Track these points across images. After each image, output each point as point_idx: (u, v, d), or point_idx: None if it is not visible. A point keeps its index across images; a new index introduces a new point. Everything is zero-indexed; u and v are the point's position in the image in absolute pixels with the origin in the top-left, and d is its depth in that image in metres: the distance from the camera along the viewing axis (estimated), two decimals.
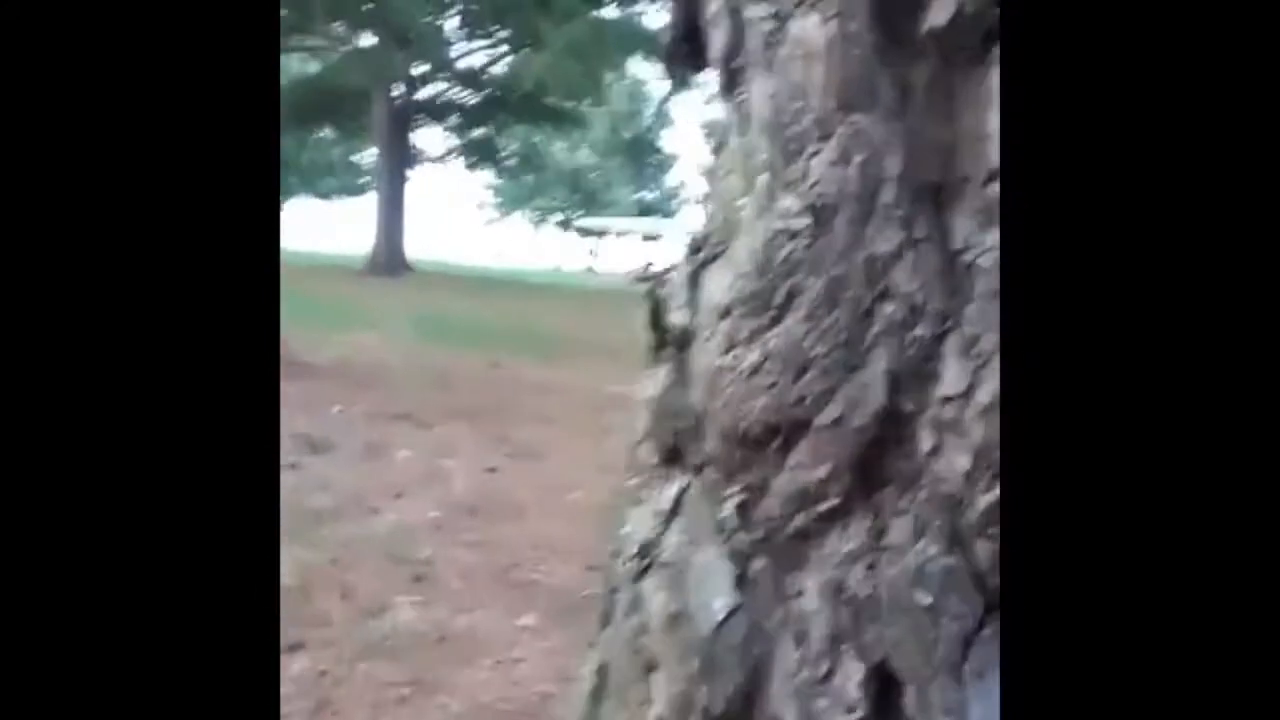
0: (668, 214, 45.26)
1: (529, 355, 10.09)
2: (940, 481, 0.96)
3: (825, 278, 0.96)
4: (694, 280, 1.07)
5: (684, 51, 1.16)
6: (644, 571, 1.08)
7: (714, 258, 1.06)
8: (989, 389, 0.94)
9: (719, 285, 1.02)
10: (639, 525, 1.12)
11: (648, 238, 38.63)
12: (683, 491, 1.08)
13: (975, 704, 0.95)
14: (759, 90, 1.01)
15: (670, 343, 1.08)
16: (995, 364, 0.94)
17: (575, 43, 19.76)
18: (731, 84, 1.06)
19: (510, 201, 48.34)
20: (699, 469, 1.06)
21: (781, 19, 0.98)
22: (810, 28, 0.96)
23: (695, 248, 1.10)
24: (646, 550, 1.08)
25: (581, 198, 46.97)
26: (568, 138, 39.06)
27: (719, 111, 1.12)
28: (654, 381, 1.15)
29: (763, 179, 1.01)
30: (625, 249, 42.23)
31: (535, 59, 21.20)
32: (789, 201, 0.98)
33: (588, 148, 46.13)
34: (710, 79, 1.13)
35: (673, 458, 1.10)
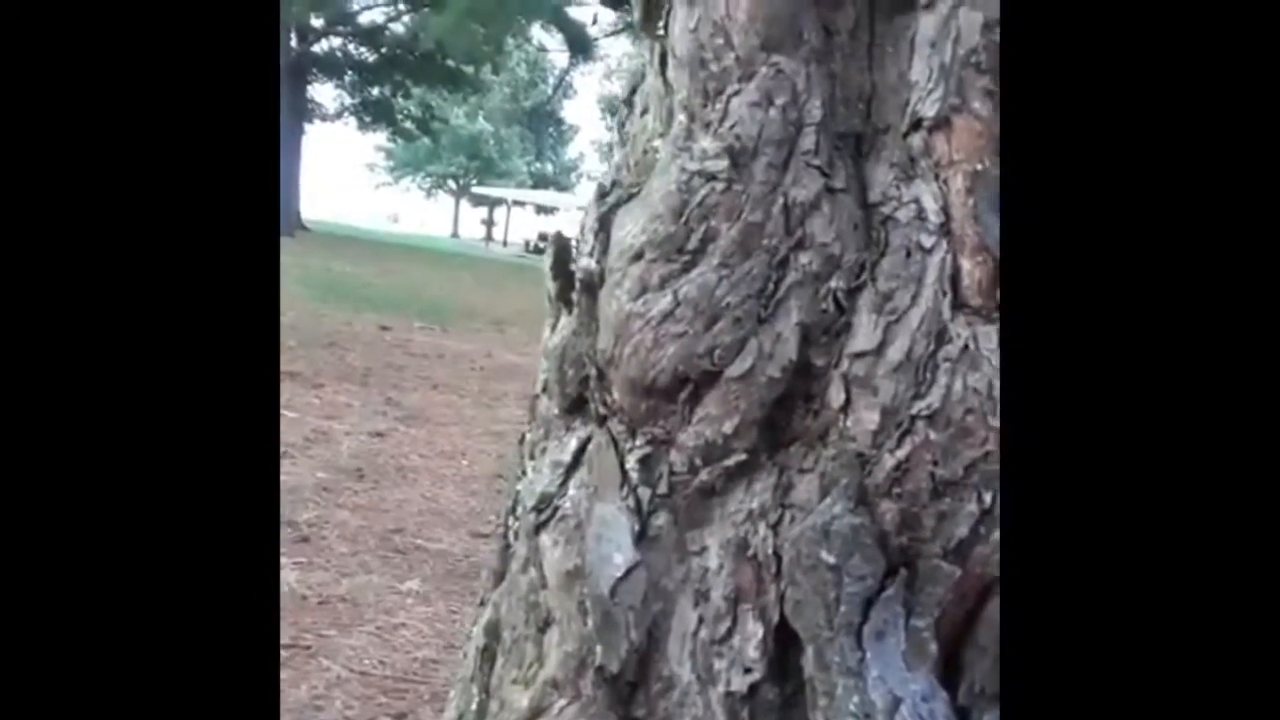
0: (565, 187, 44.99)
1: (421, 321, 9.94)
2: (848, 439, 0.94)
3: (741, 224, 0.93)
4: (603, 223, 1.02)
5: None
6: (542, 525, 1.04)
7: (626, 200, 1.02)
8: (900, 346, 0.92)
9: (631, 228, 0.98)
10: (538, 477, 1.08)
11: (543, 210, 38.38)
12: (584, 443, 1.03)
13: (874, 664, 0.93)
14: (680, 24, 0.97)
15: (577, 288, 1.03)
16: (908, 320, 0.92)
17: (477, 5, 19.43)
18: (651, 16, 1.02)
19: (404, 165, 47.43)
20: (602, 421, 1.02)
21: None
22: None
23: (604, 191, 1.05)
24: (545, 503, 1.04)
25: (478, 165, 46.34)
26: (466, 103, 38.46)
27: (619, 87, 1.08)
28: (558, 329, 1.10)
29: (680, 119, 0.97)
30: (520, 220, 41.89)
31: (436, 19, 20.79)
32: (706, 143, 0.94)
33: (485, 115, 45.50)
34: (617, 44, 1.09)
35: (575, 408, 1.06)
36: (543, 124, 47.94)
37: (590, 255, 1.03)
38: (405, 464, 4.79)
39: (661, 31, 1.00)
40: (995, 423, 0.92)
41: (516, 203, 41.84)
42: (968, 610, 0.95)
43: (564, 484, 1.03)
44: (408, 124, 30.41)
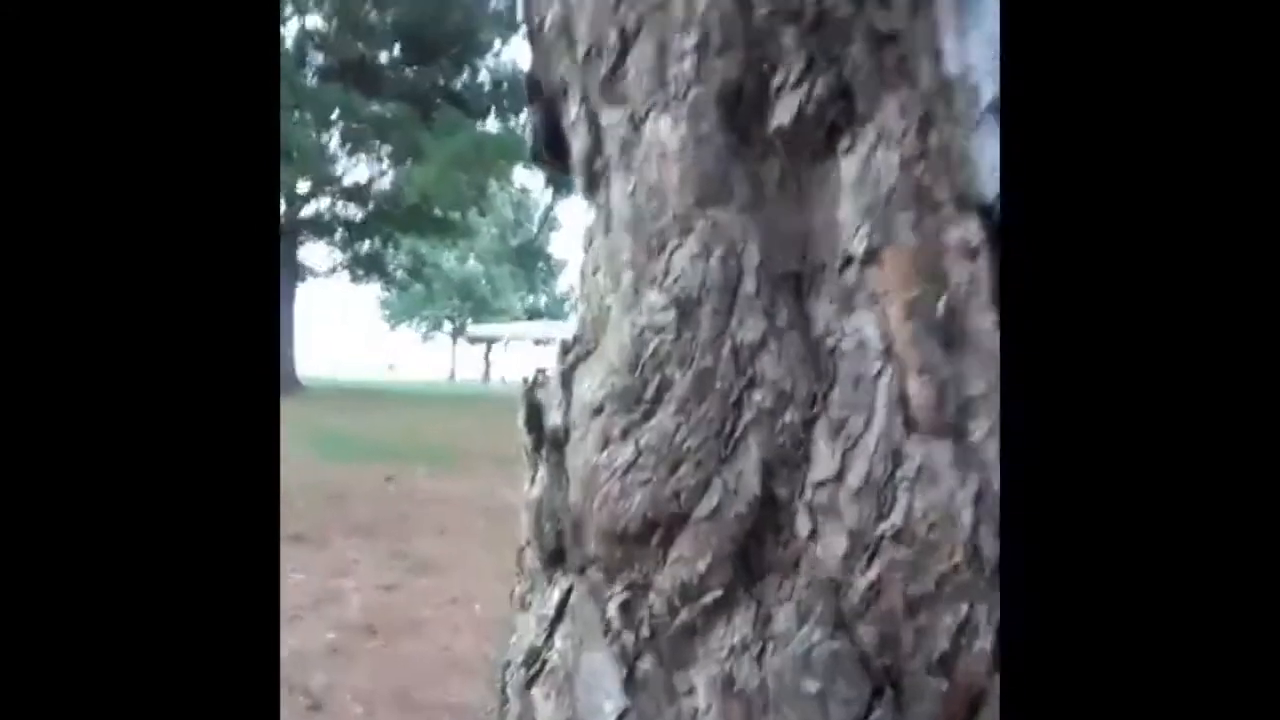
0: (559, 317, 45.50)
1: (424, 467, 9.95)
2: (820, 566, 0.96)
3: (693, 370, 0.97)
4: (566, 380, 1.07)
5: (549, 156, 1.18)
6: (533, 679, 1.06)
7: (585, 356, 1.07)
8: (859, 470, 0.96)
9: (590, 383, 1.03)
10: (526, 632, 1.10)
11: (539, 342, 38.69)
12: (567, 594, 1.06)
13: None
14: (619, 190, 1.03)
15: (546, 443, 1.07)
16: (864, 445, 0.96)
17: (458, 155, 19.99)
18: (593, 185, 1.08)
19: (399, 313, 48.07)
20: (582, 570, 1.05)
21: (636, 122, 1.01)
22: (663, 129, 0.99)
23: (566, 348, 1.10)
24: (534, 657, 1.06)
25: (472, 306, 46.94)
26: (455, 247, 39.15)
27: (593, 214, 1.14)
28: (534, 484, 1.14)
29: (627, 276, 1.02)
30: (519, 355, 42.18)
31: (419, 172, 21.35)
32: (653, 297, 0.99)
33: (476, 256, 46.26)
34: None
35: (556, 560, 1.09)
36: (532, 260, 48.74)
37: (557, 410, 1.08)
38: (417, 616, 4.76)
39: (603, 198, 1.06)
40: (960, 535, 0.95)
41: (513, 338, 42.19)
42: None
43: (550, 636, 1.06)
44: (400, 273, 30.88)
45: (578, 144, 1.10)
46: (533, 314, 47.25)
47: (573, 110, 1.09)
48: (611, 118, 1.04)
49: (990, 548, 0.97)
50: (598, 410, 1.01)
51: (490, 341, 44.14)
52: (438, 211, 24.07)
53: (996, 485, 0.97)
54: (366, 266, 28.32)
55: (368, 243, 27.29)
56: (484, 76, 24.71)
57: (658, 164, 1.00)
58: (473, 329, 45.37)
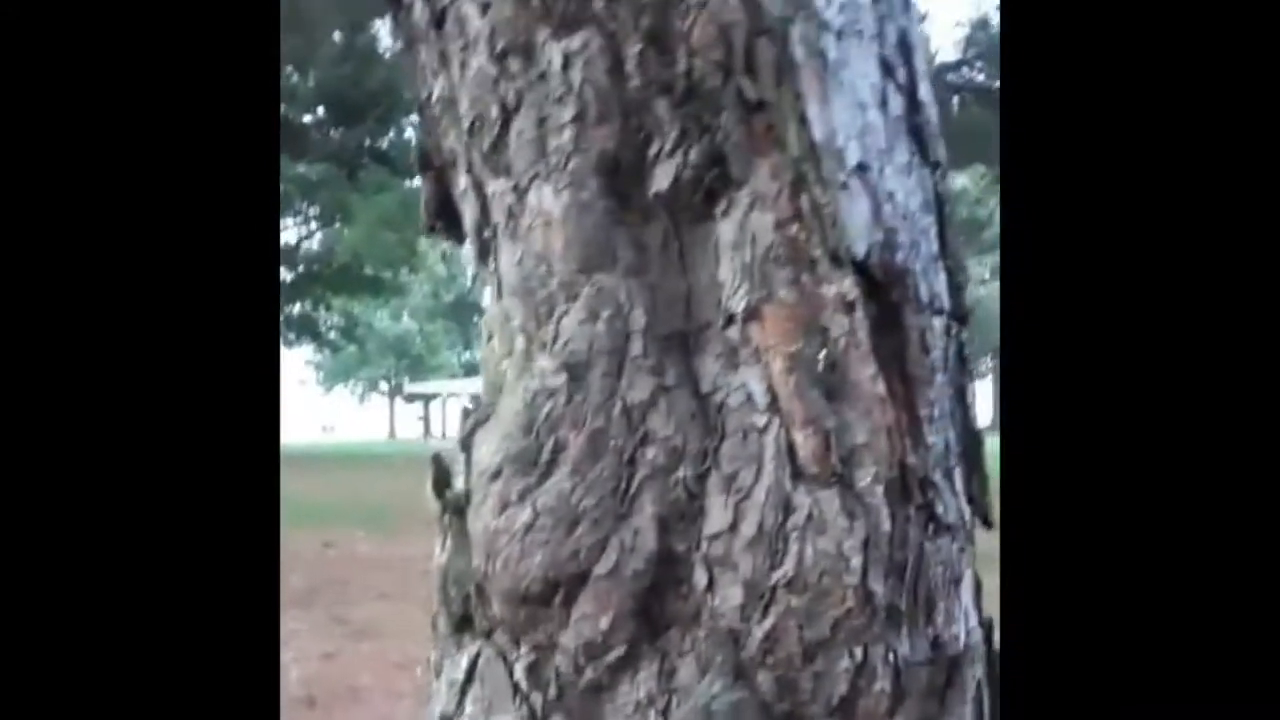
0: None
1: (363, 530, 9.81)
2: (718, 617, 0.99)
3: (586, 431, 0.99)
4: (465, 445, 1.08)
5: (441, 226, 1.21)
6: None
7: (483, 421, 1.08)
8: (752, 521, 0.98)
9: (488, 448, 1.05)
10: (437, 698, 1.11)
11: (477, 397, 38.40)
12: (475, 659, 1.07)
13: None
14: (507, 258, 1.06)
15: (449, 509, 1.09)
16: (755, 496, 0.99)
17: (386, 214, 19.93)
18: (484, 253, 1.11)
19: (334, 374, 47.59)
20: (489, 634, 1.06)
21: (520, 192, 1.04)
22: (546, 197, 1.02)
23: (467, 413, 1.12)
24: None
25: (408, 364, 46.63)
26: (388, 306, 38.95)
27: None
28: (443, 549, 1.15)
29: (519, 341, 1.05)
30: (457, 411, 41.86)
31: (348, 232, 21.25)
32: (544, 361, 1.01)
33: (409, 314, 46.04)
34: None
35: (464, 625, 1.10)
36: (467, 314, 48.55)
37: (459, 476, 1.09)
38: (357, 683, 4.67)
39: (493, 265, 1.09)
40: (851, 580, 0.98)
41: (451, 395, 41.89)
42: None
43: (460, 702, 1.06)
44: (333, 334, 30.57)
45: (468, 213, 1.13)
46: (470, 369, 47.06)
47: (461, 181, 1.12)
48: (497, 187, 1.06)
49: (881, 591, 1.00)
50: (495, 474, 1.02)
51: (428, 399, 43.85)
52: (368, 270, 23.95)
53: (885, 528, 1.00)
54: (298, 329, 28.05)
55: (298, 305, 27.08)
56: (410, 134, 24.75)
57: (542, 232, 1.03)
58: (410, 387, 45.05)
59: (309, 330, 28.64)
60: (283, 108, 22.67)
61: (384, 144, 24.22)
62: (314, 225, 24.85)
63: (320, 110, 23.47)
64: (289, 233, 25.47)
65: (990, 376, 32.28)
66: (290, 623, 6.01)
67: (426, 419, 44.58)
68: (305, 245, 25.28)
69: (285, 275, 25.96)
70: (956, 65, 12.95)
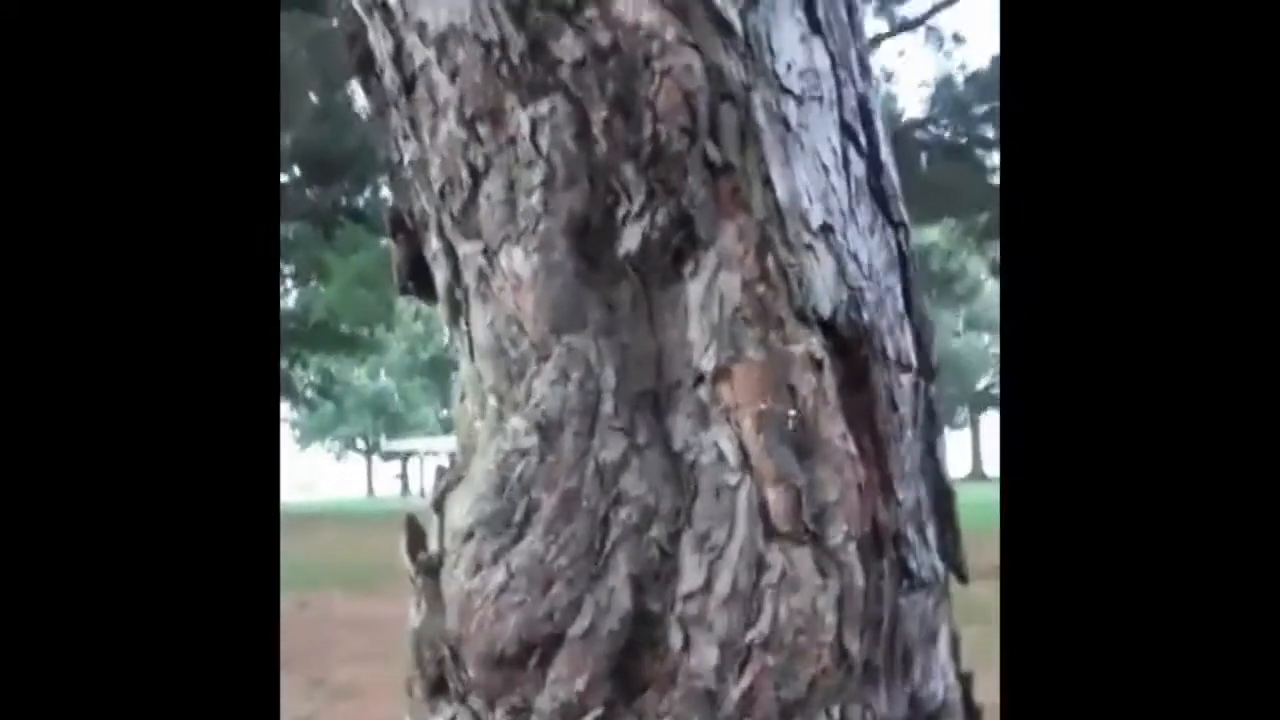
0: None
1: (340, 590, 9.69)
2: (694, 677, 0.98)
3: (559, 491, 0.99)
4: (438, 507, 1.08)
5: (413, 288, 1.21)
6: None
7: (456, 482, 1.08)
8: (725, 580, 0.98)
9: (460, 509, 1.04)
10: None
11: (454, 455, 38.15)
12: None
13: None
14: (478, 319, 1.07)
15: (422, 571, 1.08)
16: (729, 555, 0.99)
17: (363, 272, 19.92)
18: (456, 314, 1.12)
19: (311, 433, 47.21)
20: (464, 698, 1.05)
21: (490, 254, 1.05)
22: (517, 260, 1.03)
23: (440, 474, 1.12)
24: None
25: (385, 421, 46.34)
26: (365, 364, 38.79)
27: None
28: (417, 612, 1.14)
29: (491, 402, 1.05)
30: (436, 468, 41.48)
31: (324, 290, 21.22)
32: (516, 422, 1.02)
33: (386, 372, 45.84)
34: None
35: (439, 689, 1.09)
36: (444, 372, 48.35)
37: (433, 537, 1.09)
38: None
39: (465, 326, 1.09)
40: (826, 638, 0.98)
41: (429, 452, 41.63)
42: None
43: None
44: (309, 392, 30.43)
45: (439, 275, 1.13)
46: (448, 426, 46.74)
47: (433, 243, 1.13)
48: (468, 250, 1.07)
49: (857, 648, 1.00)
50: (468, 536, 1.02)
51: (406, 456, 43.52)
52: (345, 328, 23.88)
53: (858, 585, 1.01)
54: None
55: None
56: (386, 192, 24.83)
57: (513, 293, 1.03)
58: (388, 445, 44.70)
59: (286, 388, 28.47)
60: None
61: (360, 202, 24.26)
62: (290, 284, 24.80)
63: (296, 169, 23.53)
64: None
65: (967, 428, 32.44)
66: None
67: (405, 476, 44.23)
68: (281, 303, 25.23)
69: None
70: (923, 123, 13.14)
